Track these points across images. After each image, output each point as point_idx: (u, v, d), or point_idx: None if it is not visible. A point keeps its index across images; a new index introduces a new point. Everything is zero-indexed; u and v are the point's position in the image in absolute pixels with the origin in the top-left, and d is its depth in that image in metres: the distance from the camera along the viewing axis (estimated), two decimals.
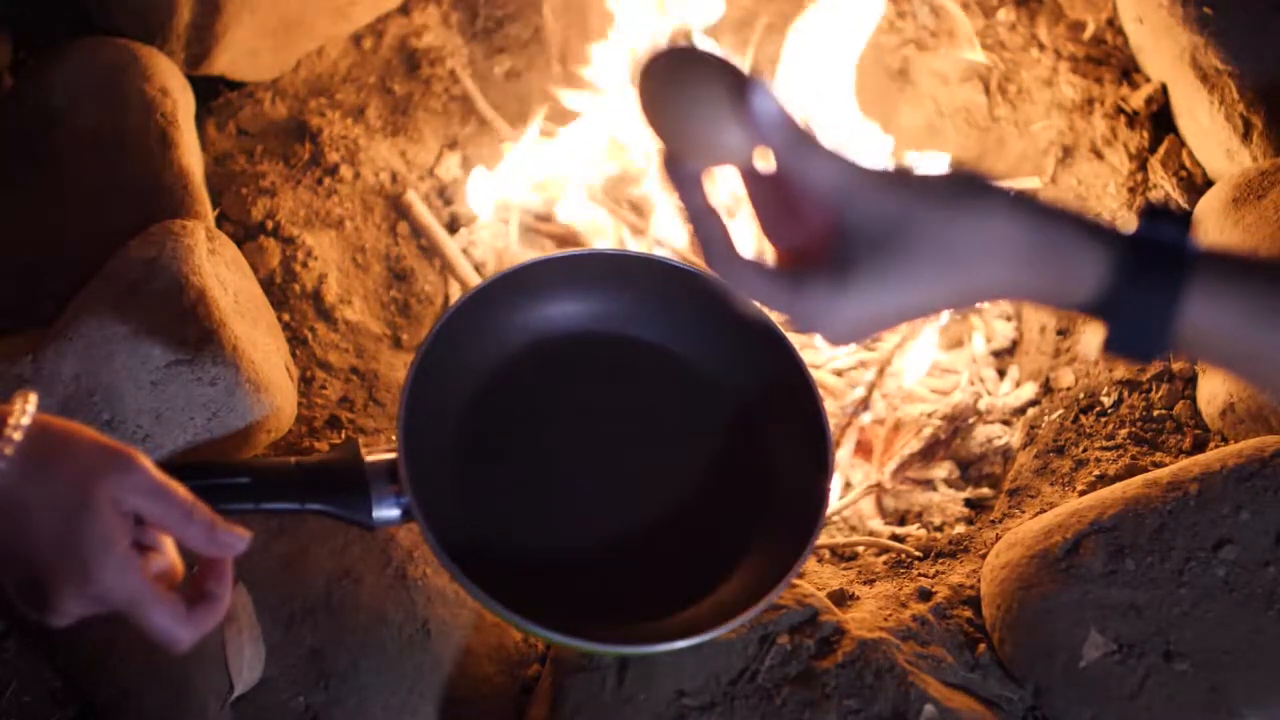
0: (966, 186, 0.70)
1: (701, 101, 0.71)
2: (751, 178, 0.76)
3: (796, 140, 0.70)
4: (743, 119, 0.70)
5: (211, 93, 1.48)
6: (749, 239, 0.72)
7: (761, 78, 0.71)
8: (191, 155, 1.32)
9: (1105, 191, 1.45)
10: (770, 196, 0.76)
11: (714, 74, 0.71)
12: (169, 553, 0.82)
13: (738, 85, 0.71)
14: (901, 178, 0.71)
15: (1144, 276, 0.68)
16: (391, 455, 0.94)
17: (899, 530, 1.26)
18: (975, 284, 0.70)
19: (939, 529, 1.25)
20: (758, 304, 0.74)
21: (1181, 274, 0.68)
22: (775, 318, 0.71)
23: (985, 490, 1.28)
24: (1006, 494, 1.25)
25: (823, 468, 1.01)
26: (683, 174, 0.74)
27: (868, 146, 1.40)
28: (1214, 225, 1.28)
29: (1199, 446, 1.21)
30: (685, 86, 0.71)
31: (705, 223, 0.74)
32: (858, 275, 0.70)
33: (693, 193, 0.75)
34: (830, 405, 1.33)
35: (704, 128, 0.71)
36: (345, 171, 1.44)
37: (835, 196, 0.70)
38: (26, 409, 0.76)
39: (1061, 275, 0.70)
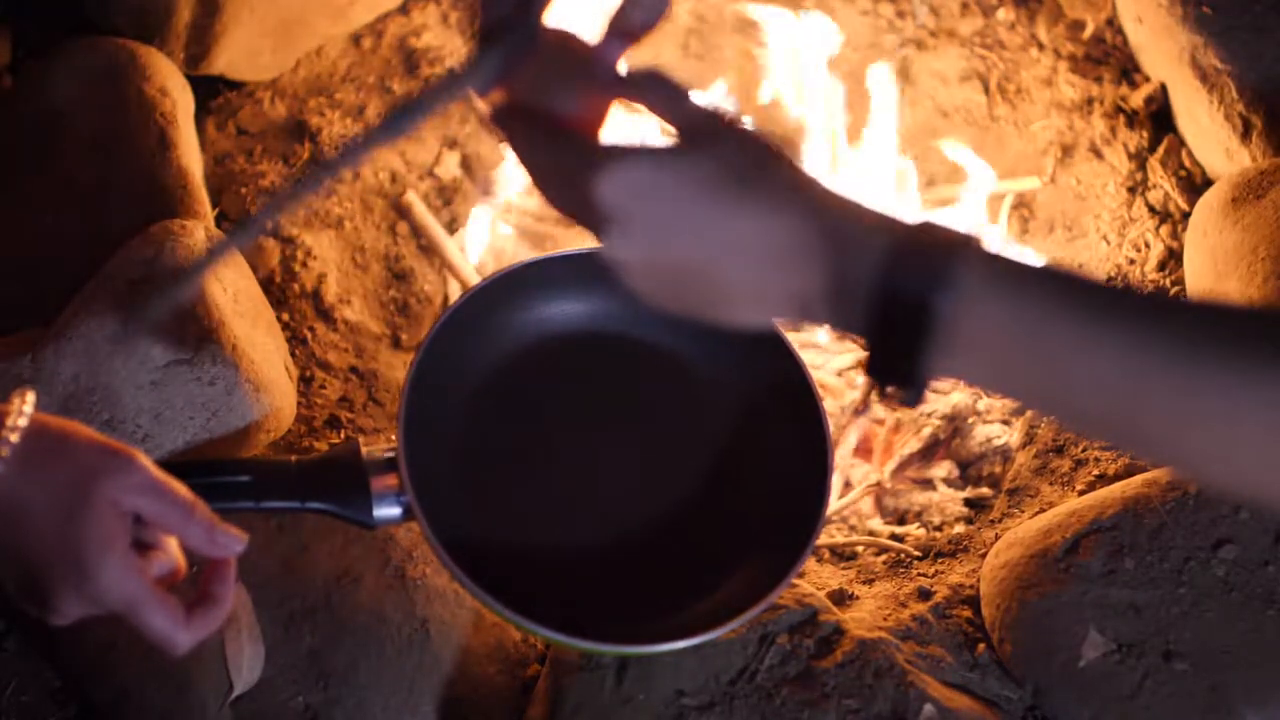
0: (760, 155, 0.68)
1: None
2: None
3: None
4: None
5: (211, 93, 1.47)
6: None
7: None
8: (191, 155, 1.32)
9: (1105, 191, 1.45)
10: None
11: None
12: (171, 552, 0.81)
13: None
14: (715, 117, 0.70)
15: (895, 303, 0.62)
16: (391, 454, 0.94)
17: (898, 530, 1.26)
18: (738, 254, 0.67)
19: (939, 529, 1.25)
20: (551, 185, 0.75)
21: (934, 305, 0.60)
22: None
23: (985, 490, 1.28)
24: (1006, 494, 1.25)
25: (823, 468, 1.01)
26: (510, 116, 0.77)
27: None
28: (1213, 225, 1.28)
29: None
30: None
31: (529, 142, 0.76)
32: (648, 153, 0.69)
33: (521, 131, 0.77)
34: (830, 405, 1.33)
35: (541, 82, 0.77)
36: (345, 171, 1.44)
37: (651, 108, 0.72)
38: (24, 409, 0.76)
39: (812, 288, 0.65)
